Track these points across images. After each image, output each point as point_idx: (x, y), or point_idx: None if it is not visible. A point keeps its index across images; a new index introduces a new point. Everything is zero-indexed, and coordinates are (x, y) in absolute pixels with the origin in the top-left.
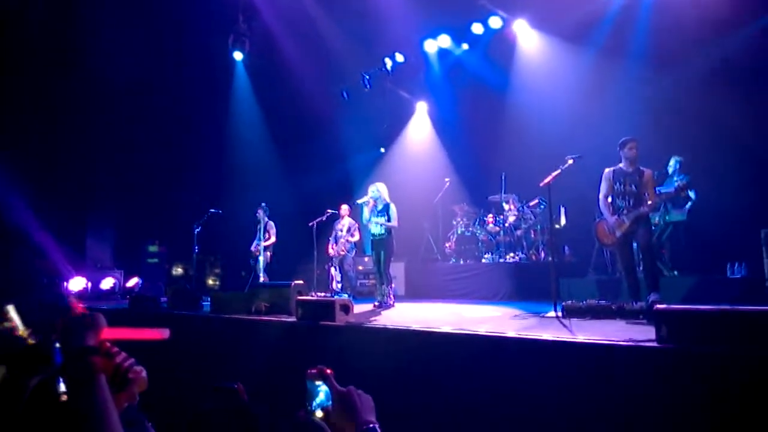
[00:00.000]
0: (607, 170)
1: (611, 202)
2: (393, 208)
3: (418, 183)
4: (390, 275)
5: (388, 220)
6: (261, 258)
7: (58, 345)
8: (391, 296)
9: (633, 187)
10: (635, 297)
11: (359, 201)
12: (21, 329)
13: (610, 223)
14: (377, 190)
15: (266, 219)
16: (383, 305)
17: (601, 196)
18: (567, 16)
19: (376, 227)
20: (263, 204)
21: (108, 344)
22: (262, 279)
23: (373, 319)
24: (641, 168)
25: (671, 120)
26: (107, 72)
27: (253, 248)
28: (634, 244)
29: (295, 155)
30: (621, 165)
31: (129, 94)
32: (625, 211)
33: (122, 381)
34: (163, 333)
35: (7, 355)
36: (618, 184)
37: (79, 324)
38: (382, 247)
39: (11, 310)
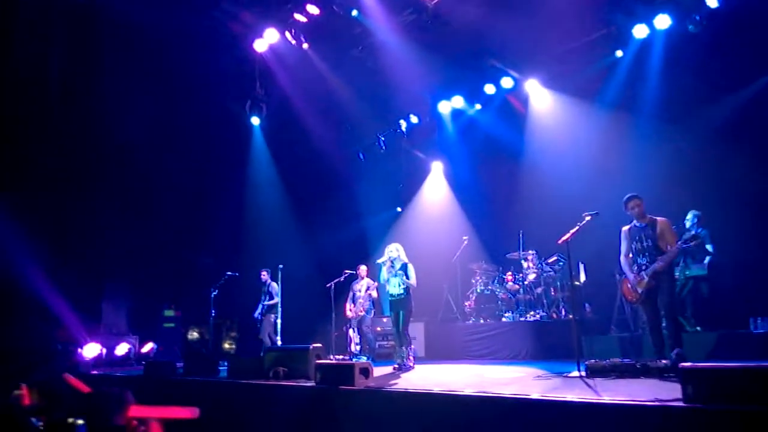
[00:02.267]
0: (624, 228)
1: (633, 260)
2: (411, 267)
3: (436, 242)
4: (409, 336)
5: (407, 279)
6: (264, 321)
7: (81, 422)
8: (411, 358)
9: (649, 242)
10: (659, 354)
11: (378, 261)
12: None
13: (631, 280)
14: (395, 250)
15: (269, 280)
16: (403, 367)
17: (622, 255)
18: (577, 74)
19: (394, 287)
20: (268, 269)
21: (135, 423)
22: (269, 341)
23: (393, 382)
24: (654, 218)
25: (687, 173)
26: (125, 137)
27: (257, 315)
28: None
29: (313, 216)
30: (634, 221)
31: (146, 159)
32: (645, 268)
33: None
34: (193, 412)
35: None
36: (635, 241)
37: (108, 402)
38: (401, 307)
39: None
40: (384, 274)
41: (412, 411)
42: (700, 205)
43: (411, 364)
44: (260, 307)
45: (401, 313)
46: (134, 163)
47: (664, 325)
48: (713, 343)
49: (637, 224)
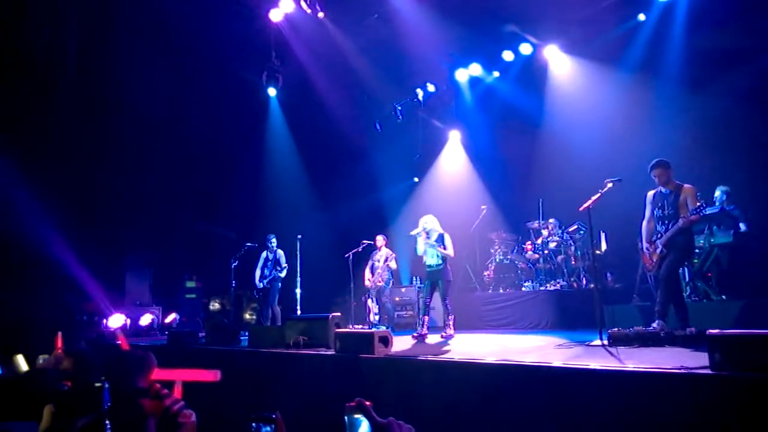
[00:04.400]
0: (649, 193)
1: (654, 227)
2: (447, 237)
3: (454, 212)
4: (450, 306)
5: (444, 249)
6: (272, 289)
7: (107, 385)
8: (452, 326)
9: (670, 210)
10: (684, 322)
11: (413, 233)
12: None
13: (646, 249)
14: (430, 221)
15: (276, 248)
16: (445, 336)
17: (644, 220)
18: (597, 39)
19: (432, 258)
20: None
21: (158, 386)
22: (278, 310)
23: (413, 350)
24: (680, 185)
25: (711, 141)
26: (144, 111)
27: (265, 283)
28: (682, 270)
29: (330, 187)
30: (660, 187)
31: (165, 131)
32: (660, 236)
33: (171, 425)
34: (215, 375)
35: (55, 395)
36: (657, 208)
37: (130, 364)
38: (439, 277)
39: (20, 360)
40: (420, 245)
41: (432, 379)
42: (726, 172)
43: (452, 333)
44: (269, 274)
45: (440, 282)
46: (154, 134)
47: (686, 294)
48: (738, 312)
49: (663, 191)
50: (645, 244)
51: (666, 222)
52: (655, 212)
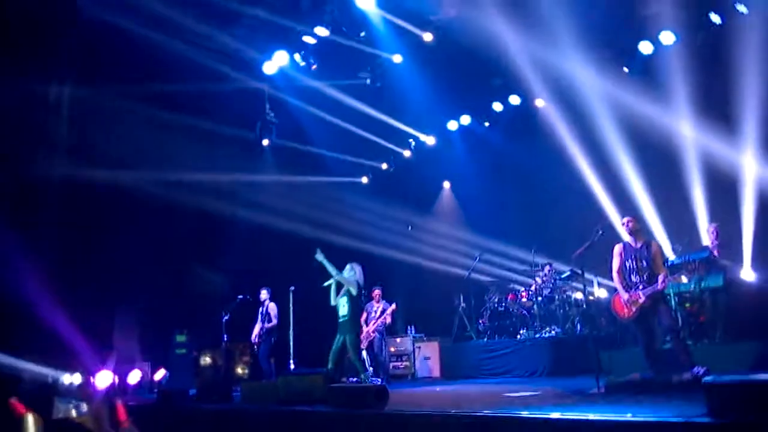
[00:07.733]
0: (617, 246)
1: (626, 278)
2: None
3: (448, 260)
4: (360, 362)
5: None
6: (263, 345)
7: None
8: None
9: (644, 263)
10: (657, 371)
11: (325, 284)
12: None
13: (625, 298)
14: (350, 269)
15: (268, 301)
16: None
17: (613, 271)
18: (585, 90)
19: (342, 308)
20: (268, 288)
21: None
22: (267, 366)
23: (409, 404)
24: (650, 241)
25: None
26: (136, 163)
27: (255, 338)
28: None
29: (323, 237)
30: (629, 240)
31: (156, 181)
32: (640, 287)
33: None
34: None
35: None
36: (629, 260)
37: None
38: (346, 331)
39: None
40: (332, 295)
41: None
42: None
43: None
44: (259, 329)
45: (346, 338)
46: (143, 188)
47: (666, 345)
48: (734, 356)
49: (633, 244)
50: (625, 294)
51: (641, 274)
52: (627, 264)
